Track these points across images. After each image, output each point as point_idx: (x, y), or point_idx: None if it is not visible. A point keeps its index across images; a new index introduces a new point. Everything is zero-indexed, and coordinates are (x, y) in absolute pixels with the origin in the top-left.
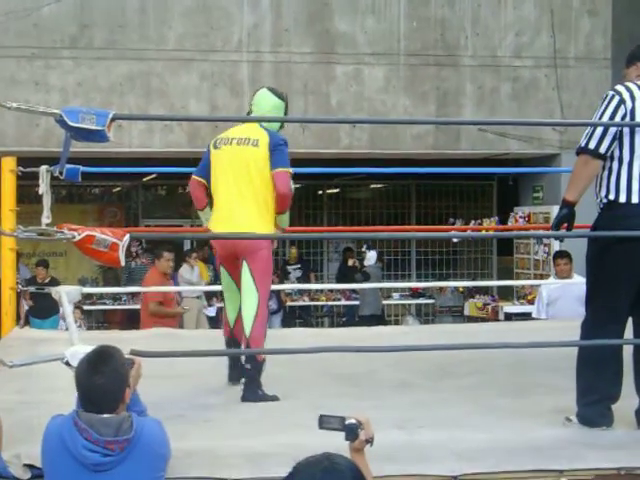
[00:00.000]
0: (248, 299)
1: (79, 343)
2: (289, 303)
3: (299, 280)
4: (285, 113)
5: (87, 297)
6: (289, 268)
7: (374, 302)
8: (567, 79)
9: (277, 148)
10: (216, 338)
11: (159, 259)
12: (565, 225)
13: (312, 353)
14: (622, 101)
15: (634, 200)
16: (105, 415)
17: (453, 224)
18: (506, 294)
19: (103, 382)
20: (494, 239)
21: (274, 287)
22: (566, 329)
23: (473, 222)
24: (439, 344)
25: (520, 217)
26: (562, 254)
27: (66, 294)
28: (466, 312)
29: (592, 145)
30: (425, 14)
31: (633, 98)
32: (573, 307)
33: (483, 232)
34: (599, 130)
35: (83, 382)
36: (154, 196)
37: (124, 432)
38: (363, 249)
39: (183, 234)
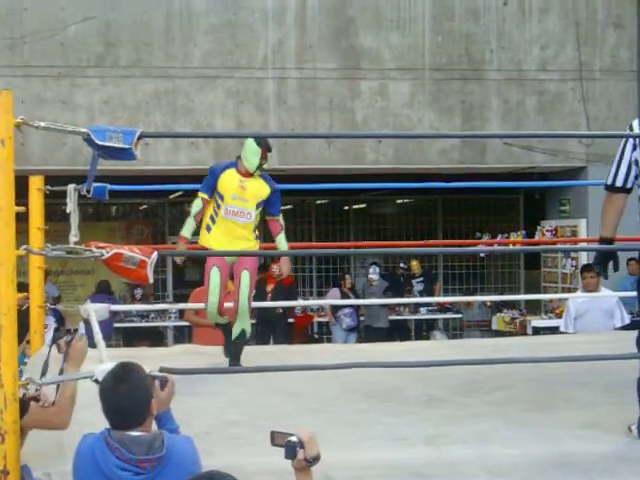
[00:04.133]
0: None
1: (108, 361)
2: (316, 319)
3: (421, 293)
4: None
5: (114, 314)
6: (413, 281)
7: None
8: (593, 92)
9: None
10: (243, 354)
11: None
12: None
13: (340, 369)
14: (630, 130)
15: None
16: (136, 433)
17: (480, 238)
18: (534, 308)
19: (129, 391)
20: (521, 253)
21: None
22: (594, 343)
23: (500, 236)
24: (467, 359)
25: (547, 231)
26: (589, 267)
27: (94, 312)
28: (494, 326)
29: (609, 181)
30: (450, 29)
31: None
32: (600, 320)
33: (510, 246)
34: (614, 165)
35: (108, 394)
36: (180, 213)
37: (156, 450)
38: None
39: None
